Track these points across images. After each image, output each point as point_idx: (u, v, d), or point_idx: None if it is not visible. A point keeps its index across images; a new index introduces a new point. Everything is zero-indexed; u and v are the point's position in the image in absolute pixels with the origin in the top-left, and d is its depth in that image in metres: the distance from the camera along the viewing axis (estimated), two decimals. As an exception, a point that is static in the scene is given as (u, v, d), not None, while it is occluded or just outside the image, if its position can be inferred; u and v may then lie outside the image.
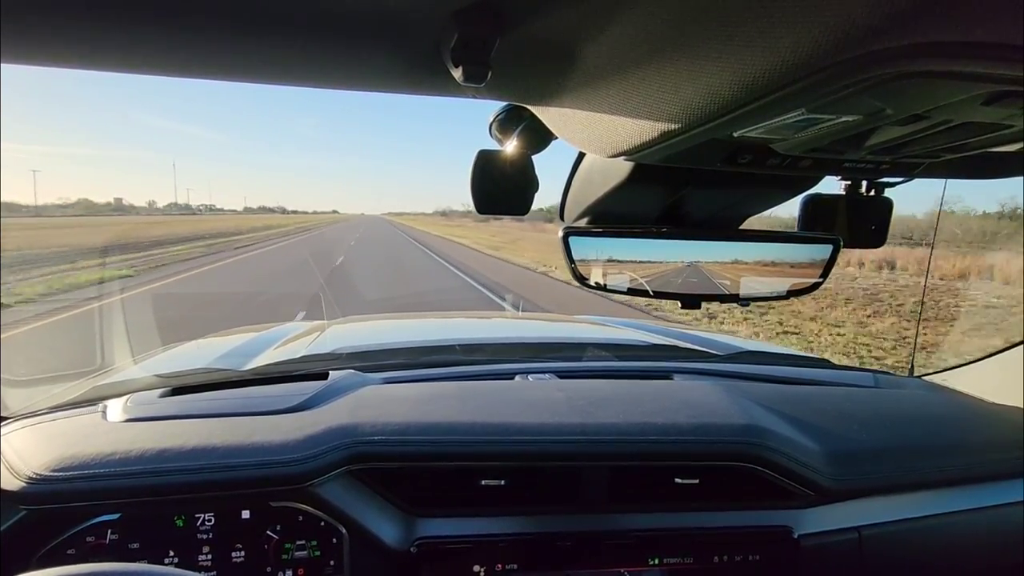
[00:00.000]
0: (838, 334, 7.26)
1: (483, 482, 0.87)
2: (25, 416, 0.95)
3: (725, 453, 0.90)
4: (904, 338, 6.95)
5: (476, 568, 0.85)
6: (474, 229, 45.05)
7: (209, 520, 0.80)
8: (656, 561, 0.89)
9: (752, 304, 0.80)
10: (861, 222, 0.79)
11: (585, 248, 0.73)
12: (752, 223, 0.80)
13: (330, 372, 1.10)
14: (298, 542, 0.82)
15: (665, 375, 1.23)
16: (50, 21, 0.42)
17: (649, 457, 0.89)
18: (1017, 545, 0.97)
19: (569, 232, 0.72)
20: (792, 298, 0.79)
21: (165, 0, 0.40)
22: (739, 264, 0.75)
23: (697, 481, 0.90)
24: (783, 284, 0.77)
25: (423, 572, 0.84)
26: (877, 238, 0.80)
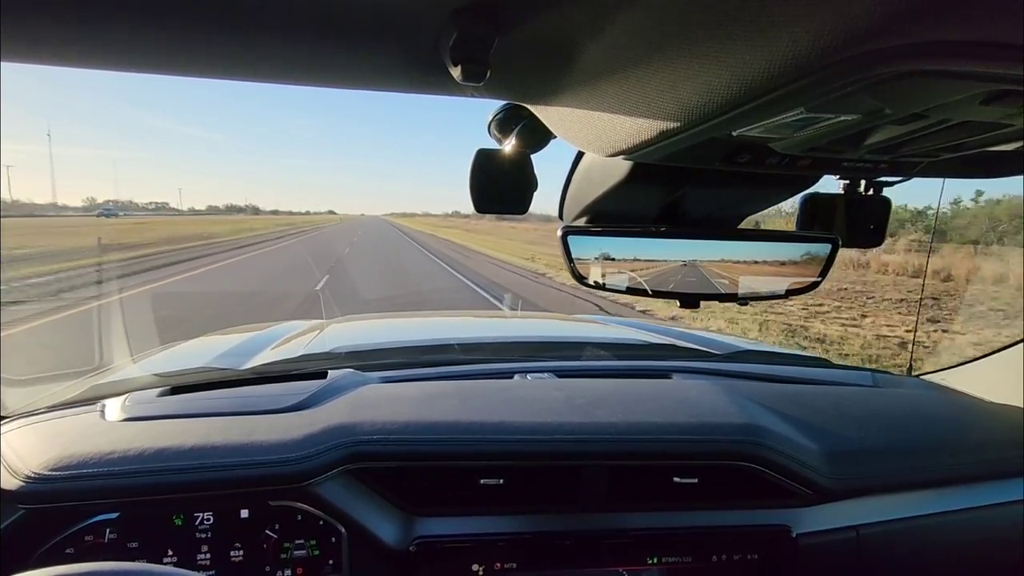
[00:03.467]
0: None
1: (482, 481, 0.87)
2: (24, 415, 0.95)
3: (724, 452, 0.90)
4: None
5: (475, 567, 0.85)
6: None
7: (208, 519, 0.80)
8: (654, 560, 0.89)
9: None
10: (859, 221, 0.79)
11: (584, 247, 0.73)
12: (751, 222, 0.80)
13: (329, 371, 1.10)
14: (297, 541, 0.82)
15: (664, 374, 1.23)
16: (50, 20, 0.42)
17: (648, 456, 0.89)
18: (1016, 544, 0.97)
19: (568, 231, 0.72)
20: (791, 297, 0.79)
21: (165, 0, 0.40)
22: (738, 263, 0.75)
23: (696, 480, 0.90)
24: (781, 283, 0.77)
25: (422, 571, 0.84)
26: (875, 237, 0.81)
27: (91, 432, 0.86)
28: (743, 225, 0.80)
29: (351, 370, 1.12)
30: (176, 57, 0.50)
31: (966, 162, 0.62)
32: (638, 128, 0.46)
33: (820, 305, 9.43)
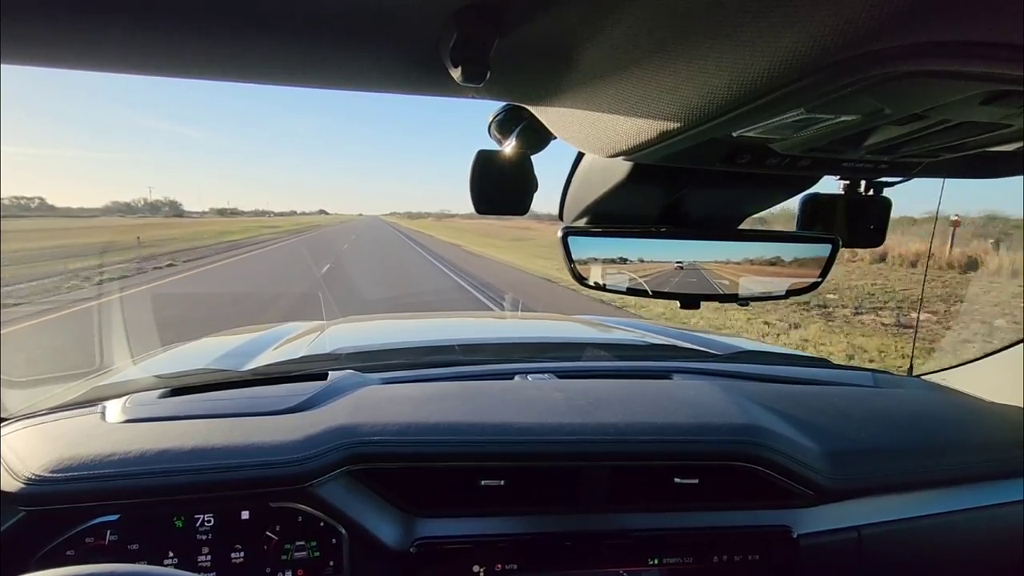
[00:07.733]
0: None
1: (483, 482, 0.87)
2: (24, 417, 0.95)
3: (724, 453, 0.90)
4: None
5: (476, 568, 0.85)
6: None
7: (209, 521, 0.80)
8: (655, 561, 0.89)
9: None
10: (860, 221, 0.79)
11: (584, 248, 0.73)
12: (751, 223, 0.80)
13: (329, 372, 1.10)
14: (298, 543, 0.82)
15: (664, 375, 1.23)
16: (50, 21, 0.42)
17: (648, 457, 0.89)
18: (1016, 544, 0.97)
19: (568, 232, 0.72)
20: (791, 297, 0.79)
21: (165, 1, 0.40)
22: (738, 263, 0.75)
23: (696, 481, 0.90)
24: (782, 284, 0.77)
25: (423, 572, 0.84)
26: (876, 237, 0.81)
27: (92, 434, 0.86)
28: (743, 226, 0.80)
29: (352, 371, 1.12)
30: (176, 59, 0.50)
31: (966, 162, 0.62)
32: (638, 129, 0.46)
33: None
